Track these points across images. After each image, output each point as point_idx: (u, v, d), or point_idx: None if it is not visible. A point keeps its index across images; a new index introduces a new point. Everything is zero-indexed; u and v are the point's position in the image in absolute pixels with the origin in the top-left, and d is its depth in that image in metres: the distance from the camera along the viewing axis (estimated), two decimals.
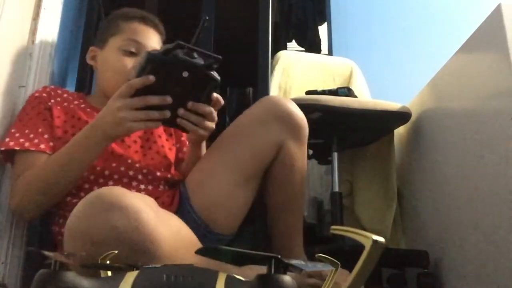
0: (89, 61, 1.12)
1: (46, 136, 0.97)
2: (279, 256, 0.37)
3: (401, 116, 1.41)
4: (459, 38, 1.22)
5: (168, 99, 0.79)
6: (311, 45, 2.72)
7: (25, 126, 0.98)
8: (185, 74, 0.77)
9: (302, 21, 2.67)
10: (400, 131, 1.57)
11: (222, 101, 0.88)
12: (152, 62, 0.77)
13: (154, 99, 0.79)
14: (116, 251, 0.48)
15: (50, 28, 1.25)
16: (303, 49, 2.73)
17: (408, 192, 1.51)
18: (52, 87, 1.09)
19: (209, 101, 0.84)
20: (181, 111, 0.82)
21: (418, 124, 1.46)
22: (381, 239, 0.36)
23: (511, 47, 0.94)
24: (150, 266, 0.42)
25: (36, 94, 1.04)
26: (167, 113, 0.80)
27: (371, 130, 1.53)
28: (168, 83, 0.78)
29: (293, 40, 2.80)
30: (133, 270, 0.41)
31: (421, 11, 2.20)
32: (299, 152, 1.01)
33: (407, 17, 2.22)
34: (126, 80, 0.95)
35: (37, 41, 1.17)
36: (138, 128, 0.83)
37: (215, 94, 0.85)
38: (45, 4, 1.21)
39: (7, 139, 0.95)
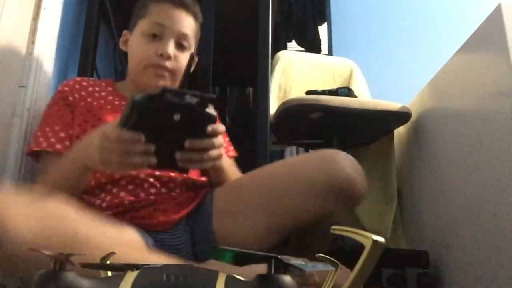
0: (121, 45, 1.08)
1: (62, 134, 0.95)
2: (279, 256, 0.37)
3: (401, 116, 1.41)
4: (459, 38, 1.22)
5: (152, 148, 0.72)
6: (311, 45, 2.72)
7: (46, 123, 0.97)
8: (177, 117, 0.69)
9: (302, 21, 2.67)
10: (400, 131, 1.57)
11: (221, 129, 0.80)
12: (138, 109, 0.69)
13: (137, 147, 0.71)
14: (116, 252, 0.48)
15: (50, 28, 1.25)
16: (303, 49, 2.73)
17: (408, 192, 1.51)
18: (78, 78, 1.06)
19: (206, 135, 0.77)
20: (178, 155, 0.75)
21: (418, 124, 1.46)
22: (381, 239, 0.36)
23: (511, 47, 0.94)
24: (150, 266, 0.41)
25: (59, 88, 1.01)
26: (153, 160, 0.72)
27: (371, 130, 1.53)
28: (159, 128, 0.72)
29: (293, 40, 2.80)
30: (133, 270, 0.41)
31: (421, 11, 2.20)
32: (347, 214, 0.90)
33: (407, 17, 2.22)
34: (145, 67, 0.97)
35: (37, 41, 1.17)
36: (121, 170, 0.80)
37: (211, 127, 0.77)
38: (45, 4, 1.21)
39: (31, 141, 0.95)
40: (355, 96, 1.44)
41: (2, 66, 1.04)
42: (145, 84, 0.99)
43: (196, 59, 1.06)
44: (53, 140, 0.93)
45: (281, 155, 2.19)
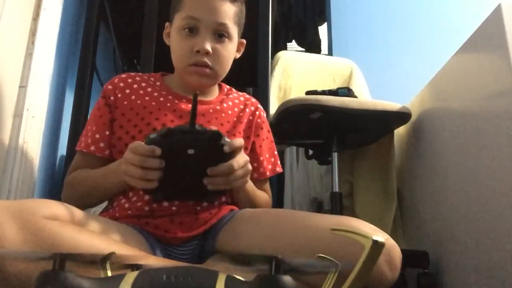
0: (164, 38, 1.02)
1: (97, 136, 0.93)
2: (279, 256, 0.37)
3: (401, 116, 1.41)
4: (459, 38, 1.22)
5: (162, 164, 0.72)
6: (311, 45, 2.73)
7: (88, 123, 0.97)
8: (191, 151, 0.72)
9: (302, 21, 2.67)
10: (400, 131, 1.57)
11: (239, 144, 0.77)
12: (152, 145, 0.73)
13: (154, 162, 0.72)
14: (116, 252, 0.48)
15: (50, 28, 1.25)
16: (303, 49, 2.74)
17: (408, 192, 1.51)
18: (124, 75, 1.00)
19: (227, 157, 0.76)
20: (205, 180, 0.75)
21: (418, 124, 1.46)
22: (381, 239, 0.36)
23: (511, 47, 0.94)
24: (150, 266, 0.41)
25: (104, 87, 0.98)
26: (154, 184, 0.74)
27: (371, 130, 1.53)
28: (176, 161, 0.73)
29: (293, 40, 2.80)
30: (133, 270, 0.41)
31: (421, 11, 2.20)
32: None
33: (407, 17, 2.22)
34: (185, 67, 0.93)
35: (37, 41, 1.17)
36: (135, 184, 0.76)
37: (228, 147, 0.74)
38: (45, 4, 1.21)
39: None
40: (355, 96, 1.44)
41: (2, 66, 1.04)
42: (189, 83, 0.96)
43: (243, 43, 1.03)
44: (89, 141, 0.93)
45: (281, 155, 2.19)
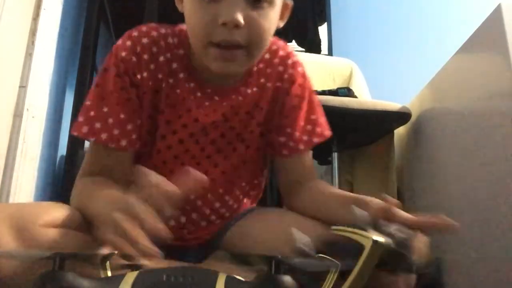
0: (177, 3, 0.74)
1: (129, 127, 0.71)
2: (279, 256, 0.37)
3: (401, 116, 1.41)
4: (459, 38, 1.22)
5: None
6: (311, 45, 2.72)
7: (104, 103, 0.70)
8: None
9: (302, 22, 2.67)
10: (400, 131, 1.57)
11: None
12: None
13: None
14: (116, 252, 0.48)
15: (50, 28, 1.25)
16: (303, 49, 2.73)
17: (408, 192, 1.51)
18: (145, 40, 0.72)
19: None
20: None
21: (418, 124, 1.46)
22: (381, 239, 0.36)
23: (511, 47, 0.94)
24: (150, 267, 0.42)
25: (122, 54, 0.71)
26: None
27: (371, 130, 1.53)
28: None
29: (293, 40, 2.80)
30: (133, 270, 0.41)
31: (421, 11, 2.20)
32: None
33: (407, 17, 2.22)
34: (206, 46, 0.65)
35: (37, 41, 1.17)
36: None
37: None
38: (45, 4, 1.21)
39: (81, 119, 0.70)
40: (355, 96, 1.44)
41: (2, 66, 1.04)
42: (210, 71, 0.69)
43: (289, 6, 0.76)
44: (116, 132, 0.69)
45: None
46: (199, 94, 0.74)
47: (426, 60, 1.89)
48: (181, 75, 0.73)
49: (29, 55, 1.15)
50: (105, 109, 0.69)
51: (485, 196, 1.02)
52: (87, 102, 0.71)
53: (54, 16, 1.28)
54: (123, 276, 0.39)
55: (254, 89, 0.77)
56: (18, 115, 1.10)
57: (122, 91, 0.70)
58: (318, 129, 0.81)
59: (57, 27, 1.29)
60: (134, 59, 0.71)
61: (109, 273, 0.45)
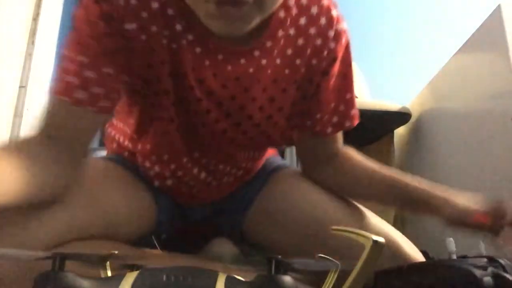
0: None
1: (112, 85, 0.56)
2: (280, 257, 0.37)
3: (401, 117, 1.41)
4: (459, 38, 1.22)
5: None
6: None
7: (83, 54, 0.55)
8: None
9: None
10: (400, 131, 1.57)
11: None
12: None
13: None
14: (117, 251, 0.48)
15: (50, 28, 1.25)
16: None
17: None
18: None
19: None
20: None
21: (418, 124, 1.46)
22: (381, 239, 0.36)
23: (511, 47, 0.94)
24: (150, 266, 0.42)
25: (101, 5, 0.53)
26: None
27: (371, 130, 1.53)
28: None
29: None
30: (133, 270, 0.41)
31: (421, 11, 2.20)
32: None
33: (407, 17, 2.22)
34: (203, 1, 0.47)
35: (37, 41, 1.17)
36: None
37: None
38: (45, 4, 1.21)
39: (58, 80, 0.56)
40: (355, 96, 1.44)
41: (2, 66, 1.04)
42: (210, 30, 0.51)
43: None
44: (97, 90, 0.54)
45: (281, 155, 2.19)
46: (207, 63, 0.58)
47: (426, 60, 1.89)
48: (183, 42, 0.57)
49: (29, 55, 1.15)
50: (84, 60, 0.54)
51: (486, 195, 1.02)
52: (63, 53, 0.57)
53: (54, 16, 1.28)
54: (123, 276, 0.39)
55: (278, 61, 0.61)
56: (18, 115, 1.10)
57: (106, 39, 0.54)
58: (352, 112, 0.72)
59: (57, 27, 1.29)
60: (121, 2, 0.54)
61: (109, 273, 0.45)
